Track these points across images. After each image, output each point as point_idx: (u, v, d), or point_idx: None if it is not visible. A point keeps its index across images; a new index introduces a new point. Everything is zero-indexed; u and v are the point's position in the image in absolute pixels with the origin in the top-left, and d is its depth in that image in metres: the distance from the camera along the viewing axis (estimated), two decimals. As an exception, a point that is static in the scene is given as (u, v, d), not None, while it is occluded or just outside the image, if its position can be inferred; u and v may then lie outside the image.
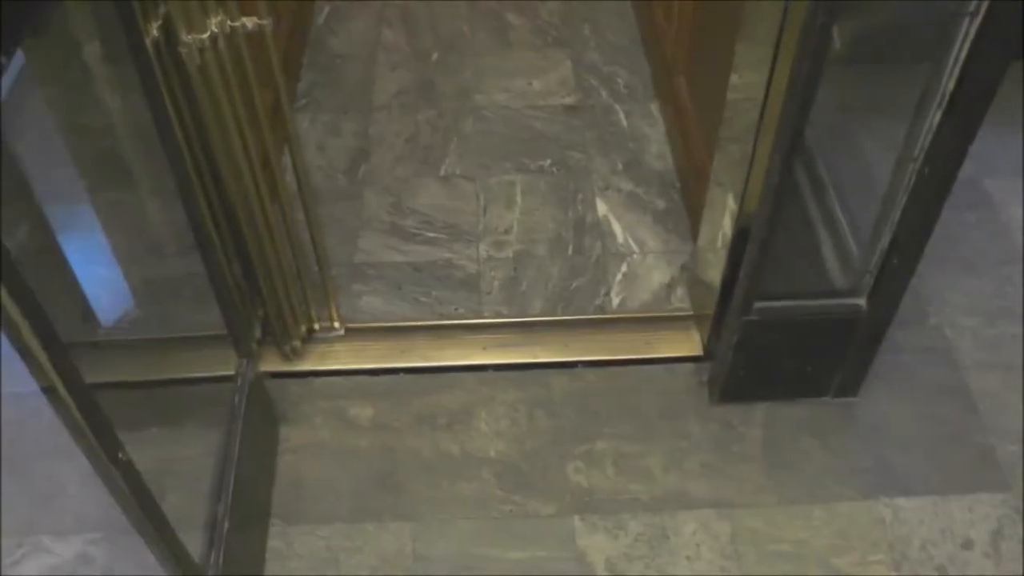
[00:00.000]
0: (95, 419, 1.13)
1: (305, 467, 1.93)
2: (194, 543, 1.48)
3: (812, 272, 1.89)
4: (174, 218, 1.70)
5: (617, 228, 2.36)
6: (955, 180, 1.58)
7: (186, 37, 1.47)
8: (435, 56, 2.89)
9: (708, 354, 2.04)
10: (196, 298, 1.86)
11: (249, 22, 1.54)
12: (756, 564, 1.78)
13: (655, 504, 1.87)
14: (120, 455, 1.17)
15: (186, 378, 1.86)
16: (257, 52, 1.61)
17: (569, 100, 2.73)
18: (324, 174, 2.52)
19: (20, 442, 1.93)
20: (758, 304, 1.80)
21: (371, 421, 2.00)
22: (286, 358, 2.06)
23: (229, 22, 1.52)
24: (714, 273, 1.92)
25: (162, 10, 1.42)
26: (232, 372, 1.82)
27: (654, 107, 2.68)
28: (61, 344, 1.05)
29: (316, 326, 2.09)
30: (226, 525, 1.57)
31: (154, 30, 1.41)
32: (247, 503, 1.73)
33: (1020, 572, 1.77)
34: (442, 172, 2.53)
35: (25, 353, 1.03)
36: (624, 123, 2.64)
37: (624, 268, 2.26)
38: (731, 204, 1.79)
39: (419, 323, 2.15)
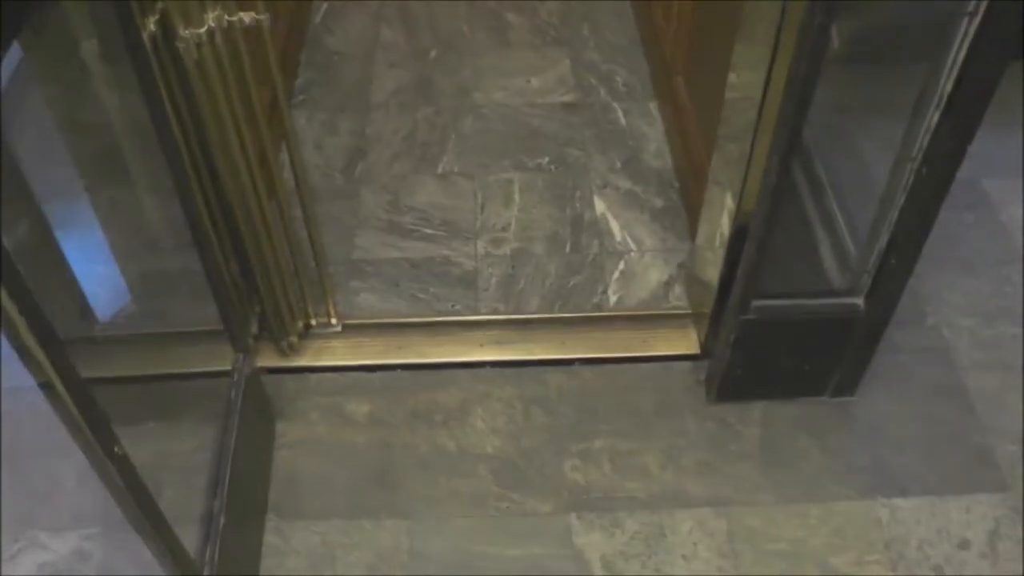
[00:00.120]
0: (91, 414, 1.12)
1: (301, 463, 1.93)
2: (190, 538, 1.48)
3: (810, 271, 1.89)
4: (171, 214, 1.70)
5: (615, 226, 2.35)
6: (953, 180, 1.58)
7: (183, 32, 1.46)
8: (433, 54, 2.89)
9: (705, 352, 2.04)
10: (193, 294, 1.86)
11: (247, 17, 1.54)
12: (753, 563, 1.78)
13: (652, 502, 1.87)
14: (116, 449, 1.17)
15: (182, 373, 1.86)
16: (254, 48, 1.61)
17: (568, 98, 2.73)
18: (321, 172, 2.52)
19: (16, 438, 1.92)
20: (756, 303, 1.80)
21: (368, 417, 2.00)
22: (283, 354, 2.06)
23: (226, 17, 1.52)
24: (712, 272, 1.92)
25: (159, 5, 1.42)
26: (228, 368, 1.82)
27: (653, 106, 2.68)
28: (58, 340, 1.05)
29: (313, 322, 2.09)
30: (222, 520, 1.57)
31: (151, 25, 1.41)
32: (243, 499, 1.73)
33: (1017, 572, 1.77)
34: (440, 170, 2.52)
35: (22, 349, 1.03)
36: (623, 122, 2.64)
37: (621, 266, 2.26)
38: (729, 203, 1.79)
39: (416, 320, 2.15)
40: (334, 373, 2.07)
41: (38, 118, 1.80)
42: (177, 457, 1.74)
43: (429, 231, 2.35)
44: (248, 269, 1.87)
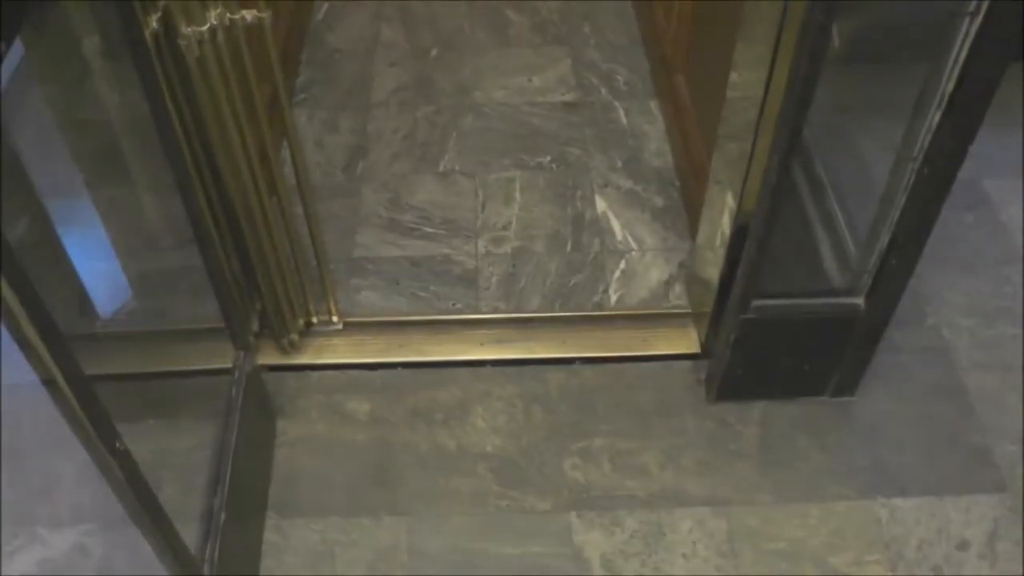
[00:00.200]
0: (93, 410, 1.13)
1: (301, 461, 1.93)
2: (190, 536, 1.48)
3: (810, 271, 1.89)
4: (172, 211, 1.70)
5: (616, 225, 2.36)
6: (954, 180, 1.58)
7: (185, 30, 1.47)
8: (434, 53, 2.89)
9: (705, 352, 2.04)
10: (194, 291, 1.86)
11: (248, 15, 1.54)
12: (752, 562, 1.78)
13: (652, 501, 1.87)
14: (118, 445, 1.17)
15: (183, 371, 1.86)
16: (256, 46, 1.61)
17: (568, 97, 2.73)
18: (322, 170, 2.52)
19: (16, 433, 1.92)
20: (756, 302, 1.80)
21: (368, 415, 2.00)
22: (283, 352, 2.06)
23: (228, 15, 1.52)
24: (712, 271, 1.92)
25: (161, 3, 1.42)
26: (229, 365, 1.82)
27: (653, 105, 2.68)
28: (61, 336, 1.05)
29: (314, 320, 2.09)
30: (222, 517, 1.57)
31: (153, 22, 1.41)
32: (243, 496, 1.73)
33: (1016, 573, 1.77)
34: (441, 168, 2.52)
35: (24, 344, 1.03)
36: (623, 120, 2.64)
37: (622, 265, 2.26)
38: (730, 202, 1.79)
39: (417, 318, 2.15)
40: (335, 371, 2.07)
41: (40, 115, 1.80)
42: (177, 454, 1.75)
43: (430, 229, 2.35)
44: (249, 266, 1.87)
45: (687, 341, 2.09)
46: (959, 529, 1.83)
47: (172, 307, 1.96)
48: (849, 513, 1.85)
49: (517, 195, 2.44)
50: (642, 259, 2.28)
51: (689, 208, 2.33)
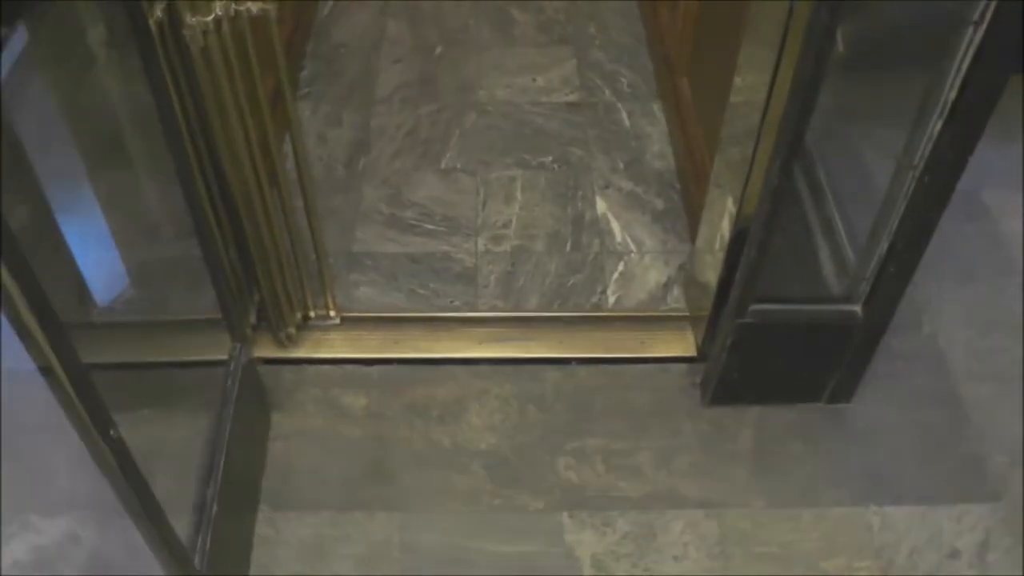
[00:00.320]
0: (88, 397, 1.13)
1: (296, 454, 1.93)
2: (182, 527, 1.48)
3: (808, 277, 1.89)
4: (173, 201, 1.70)
5: (616, 226, 2.36)
6: (955, 189, 1.58)
7: (190, 20, 1.47)
8: (439, 50, 2.89)
9: (702, 355, 2.04)
10: (192, 282, 1.86)
11: (254, 6, 1.54)
12: (743, 565, 1.79)
13: (644, 502, 1.87)
14: (112, 433, 1.17)
15: (179, 361, 1.86)
16: (260, 38, 1.61)
17: (572, 97, 2.73)
18: (323, 164, 2.52)
19: (10, 420, 1.92)
20: (754, 307, 1.80)
21: (363, 410, 2.00)
22: (280, 345, 2.06)
23: (233, 6, 1.52)
24: (711, 274, 1.93)
25: (167, -9, 1.42)
26: (226, 357, 1.82)
27: (656, 107, 2.68)
28: (58, 323, 1.05)
29: (312, 314, 2.09)
30: (215, 509, 1.57)
31: (158, 12, 1.41)
32: (236, 488, 1.73)
33: (1006, 583, 1.78)
34: (442, 165, 2.53)
35: (22, 331, 1.03)
36: (626, 122, 2.64)
37: (621, 267, 2.26)
38: (730, 206, 1.79)
39: (415, 314, 2.15)
40: (331, 365, 2.07)
41: (42, 103, 1.80)
42: (171, 445, 1.74)
43: (430, 226, 2.36)
44: (248, 259, 1.87)
45: (684, 344, 2.09)
46: (950, 538, 1.83)
47: (170, 297, 1.96)
48: (841, 519, 1.86)
49: (518, 194, 2.44)
50: (641, 261, 2.28)
51: (689, 211, 2.33)
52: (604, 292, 2.21)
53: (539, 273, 2.25)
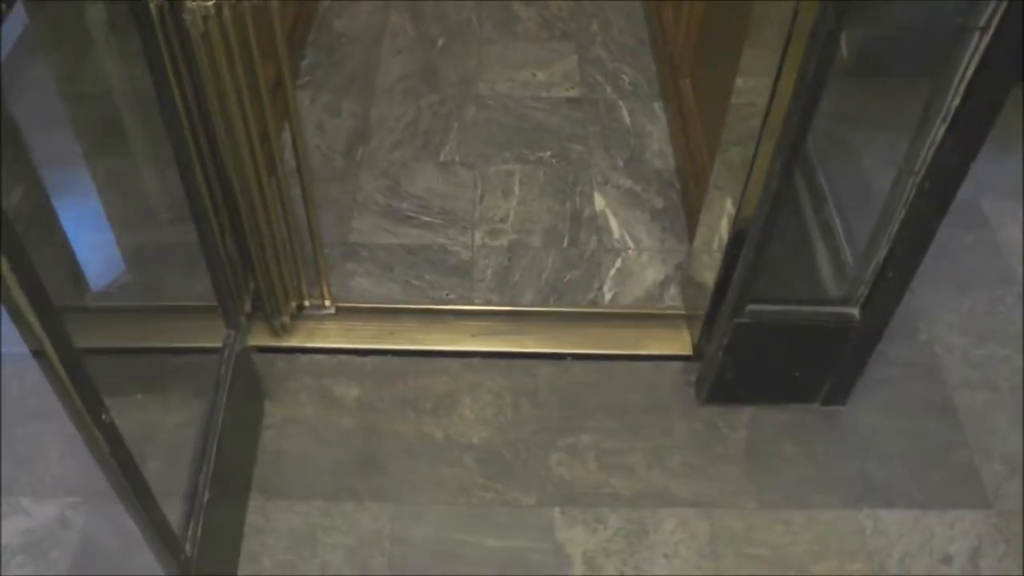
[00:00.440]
0: (81, 381, 1.12)
1: (287, 443, 1.93)
2: (173, 513, 1.48)
3: (806, 279, 1.89)
4: (169, 187, 1.69)
5: (614, 224, 2.35)
6: (955, 196, 1.58)
7: (190, 4, 1.45)
8: (441, 43, 2.88)
9: (697, 354, 2.04)
10: (187, 268, 1.86)
11: (256, -8, 1.54)
12: (734, 566, 1.78)
13: (636, 500, 1.87)
14: (104, 417, 1.16)
15: (173, 347, 1.85)
16: (262, 24, 1.60)
17: (573, 93, 2.72)
18: (322, 154, 2.51)
19: (5, 402, 1.92)
20: (751, 307, 1.80)
21: (356, 401, 2.00)
22: (275, 333, 2.05)
23: (235, -10, 1.51)
24: (708, 274, 1.92)
25: (168, -26, 1.41)
26: (220, 344, 1.81)
27: (657, 106, 2.68)
28: (53, 308, 1.04)
29: (307, 303, 2.08)
30: (206, 496, 1.57)
31: (160, -6, 1.40)
32: (228, 476, 1.72)
33: (996, 590, 1.78)
34: (441, 158, 2.52)
35: (15, 314, 1.02)
36: (627, 120, 2.64)
37: (618, 264, 2.26)
38: (729, 207, 1.79)
39: (410, 306, 2.14)
40: (325, 355, 2.06)
41: (41, 85, 1.79)
42: (164, 431, 1.74)
43: (427, 218, 2.35)
44: (244, 246, 1.86)
45: (680, 342, 2.08)
46: (943, 544, 1.83)
47: (165, 283, 1.96)
48: (833, 522, 1.85)
49: (516, 188, 2.44)
50: (638, 259, 2.27)
51: (688, 210, 2.33)
52: (600, 289, 2.21)
53: (535, 268, 2.25)
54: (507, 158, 2.52)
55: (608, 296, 2.19)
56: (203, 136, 1.64)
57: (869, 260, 1.75)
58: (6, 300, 1.01)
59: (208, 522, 1.56)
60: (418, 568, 1.77)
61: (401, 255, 2.26)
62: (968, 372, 2.11)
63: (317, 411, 1.98)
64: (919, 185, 1.57)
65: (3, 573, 1.71)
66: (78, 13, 1.76)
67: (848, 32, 1.40)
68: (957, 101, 1.45)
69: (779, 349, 1.90)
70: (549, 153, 2.54)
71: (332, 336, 2.08)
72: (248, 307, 2.02)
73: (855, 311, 1.82)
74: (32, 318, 1.03)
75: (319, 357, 2.06)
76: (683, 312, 2.14)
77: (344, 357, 2.06)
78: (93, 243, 1.90)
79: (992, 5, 1.35)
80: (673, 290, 2.20)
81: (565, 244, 2.30)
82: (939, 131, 1.50)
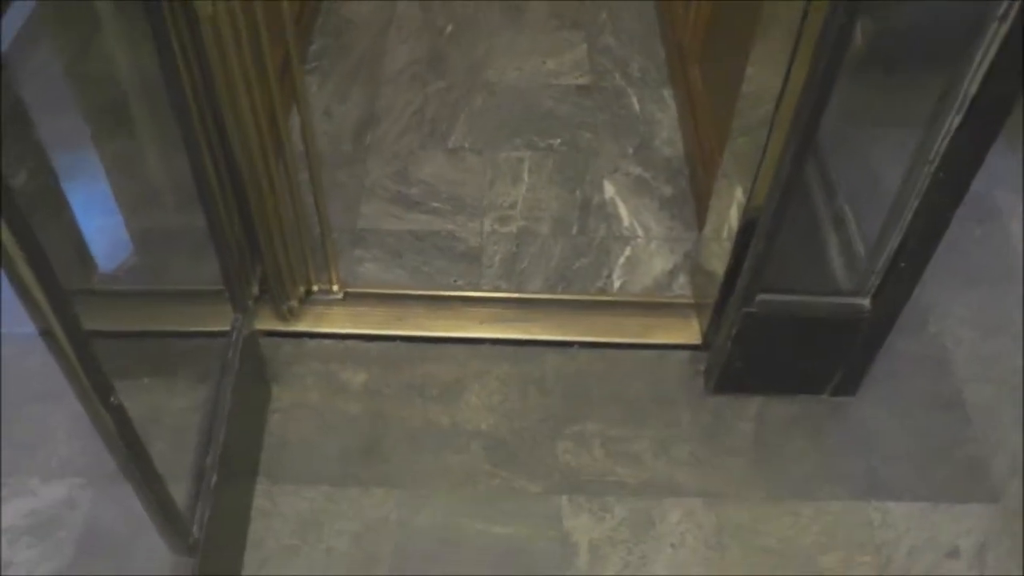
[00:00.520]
0: (89, 362, 1.11)
1: (293, 428, 1.92)
2: (180, 496, 1.47)
3: (817, 269, 1.88)
4: (177, 171, 1.68)
5: (623, 211, 2.34)
6: (969, 186, 1.57)
7: (200, -15, 1.45)
8: (449, 29, 2.87)
9: (706, 344, 2.03)
10: (195, 252, 1.85)
11: (265, -26, 1.53)
12: (741, 557, 1.78)
13: (642, 490, 1.86)
14: (112, 399, 1.15)
15: (180, 331, 1.85)
16: (270, 7, 1.59)
17: (582, 81, 2.71)
18: (329, 139, 2.50)
19: (8, 384, 1.92)
20: (760, 296, 1.79)
21: (363, 386, 1.99)
22: (282, 318, 2.04)
23: (244, -28, 1.50)
24: (717, 263, 1.91)
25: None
26: (227, 328, 1.80)
27: (667, 93, 2.66)
28: (60, 288, 1.04)
29: (315, 288, 2.08)
30: (213, 479, 1.56)
31: (168, -25, 1.40)
32: (235, 459, 1.72)
33: (1004, 584, 1.77)
34: (450, 144, 2.51)
35: (24, 294, 1.02)
36: (636, 107, 2.63)
37: (627, 252, 2.25)
38: (739, 196, 1.78)
39: (418, 292, 2.14)
40: (332, 340, 2.06)
41: (49, 67, 1.78)
42: (170, 415, 1.74)
43: (435, 204, 2.34)
44: (252, 230, 1.85)
45: (688, 331, 2.07)
46: (950, 537, 1.82)
47: (172, 266, 1.95)
48: (841, 514, 1.85)
49: (525, 175, 2.43)
50: (647, 247, 2.26)
51: (697, 198, 2.32)
52: (609, 277, 2.20)
53: (544, 255, 2.24)
54: (516, 145, 2.51)
55: (617, 284, 2.18)
56: (211, 119, 1.63)
57: (881, 250, 1.74)
58: (17, 282, 1.01)
59: (215, 505, 1.56)
60: (424, 554, 1.76)
61: (409, 241, 2.25)
62: (977, 366, 2.10)
63: (324, 396, 1.97)
64: (933, 175, 1.56)
65: (10, 553, 1.71)
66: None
67: (862, 20, 1.39)
68: (973, 90, 1.44)
69: (788, 339, 1.89)
70: (559, 140, 2.52)
71: (340, 321, 2.07)
72: (256, 291, 2.01)
73: (866, 302, 1.81)
74: (40, 296, 1.02)
75: (326, 342, 2.06)
76: (692, 301, 2.13)
77: (351, 342, 2.06)
78: (101, 226, 1.89)
79: (1011, -6, 1.34)
80: (682, 279, 2.19)
81: (574, 231, 2.29)
82: (954, 121, 1.49)
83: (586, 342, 2.07)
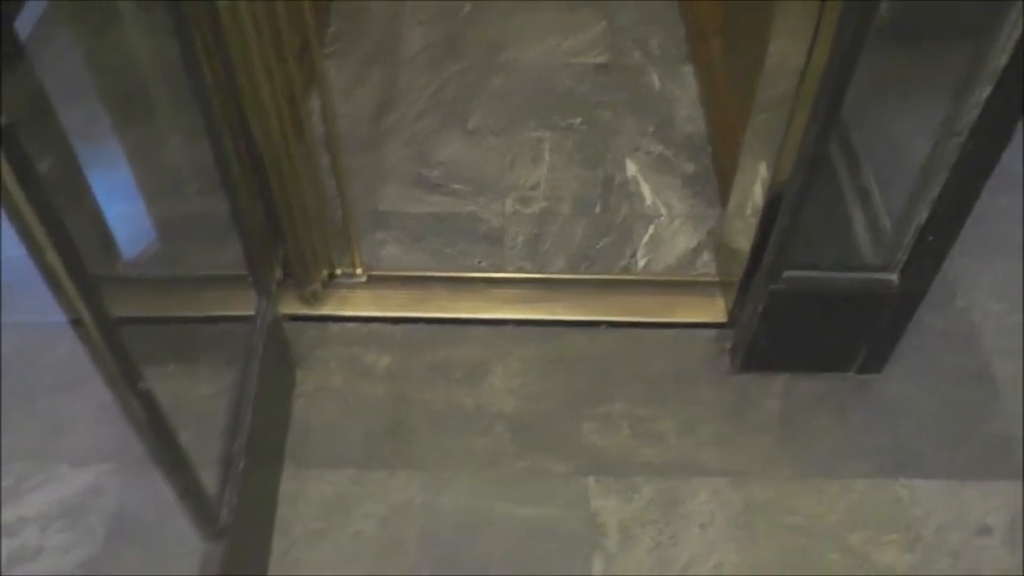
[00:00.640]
0: (117, 348, 1.11)
1: (318, 412, 1.92)
2: (208, 480, 1.47)
3: (843, 244, 1.86)
4: (199, 156, 1.68)
5: (645, 190, 2.33)
6: (1000, 158, 1.55)
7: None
8: (466, 10, 2.85)
9: (731, 321, 2.02)
10: (218, 237, 1.85)
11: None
12: (768, 536, 1.77)
13: (669, 469, 1.85)
14: (140, 385, 1.16)
15: (204, 316, 1.85)
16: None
17: (601, 60, 2.69)
18: (348, 123, 2.49)
19: (34, 372, 1.93)
20: (787, 273, 1.77)
21: (386, 369, 1.99)
22: (305, 302, 2.04)
23: (262, -45, 1.49)
24: (742, 240, 1.90)
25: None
26: (251, 312, 1.80)
27: (687, 70, 2.64)
28: (88, 275, 1.04)
29: (337, 271, 2.07)
30: (241, 464, 1.56)
31: (187, -41, 1.39)
32: (262, 444, 1.72)
33: (1037, 561, 1.76)
34: (469, 126, 2.49)
35: (53, 282, 1.02)
36: (656, 85, 2.61)
37: (650, 230, 2.23)
38: (763, 171, 1.76)
39: (440, 274, 2.13)
40: (355, 323, 2.05)
41: (69, 54, 1.78)
42: (196, 401, 1.74)
43: (456, 186, 2.33)
44: (274, 214, 1.85)
45: (713, 310, 2.06)
46: (980, 515, 1.80)
47: (195, 252, 1.95)
48: (868, 492, 1.83)
49: (546, 156, 2.41)
50: (670, 225, 2.25)
51: (720, 175, 2.30)
52: (633, 256, 2.18)
53: (567, 235, 2.23)
54: (536, 125, 2.49)
55: (640, 263, 2.17)
56: (231, 104, 1.63)
57: (908, 224, 1.72)
58: (43, 266, 1.01)
59: (243, 490, 1.56)
60: (450, 537, 1.76)
61: (431, 223, 2.25)
62: (1005, 340, 2.07)
63: (348, 380, 1.97)
64: (962, 147, 1.54)
65: (42, 539, 1.72)
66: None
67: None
68: (1005, 59, 1.42)
69: (815, 316, 1.87)
70: (579, 120, 2.51)
71: (363, 304, 2.07)
72: (279, 275, 2.01)
73: (894, 277, 1.79)
74: (68, 284, 1.02)
75: (350, 325, 2.05)
76: (716, 279, 2.11)
77: (375, 325, 2.05)
78: (124, 213, 1.89)
79: (1043, -40, 1.32)
80: (706, 256, 2.18)
81: (596, 211, 2.28)
82: (984, 91, 1.47)
83: (610, 322, 2.06)
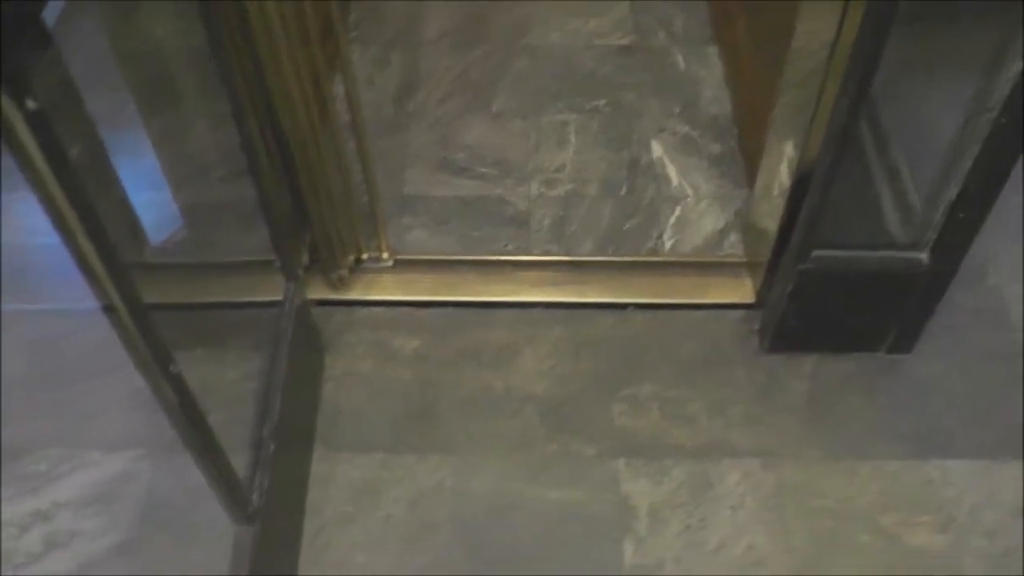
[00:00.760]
0: (148, 333, 1.12)
1: (346, 396, 1.93)
2: (239, 464, 1.48)
3: (872, 223, 1.84)
4: (225, 141, 1.68)
5: (672, 171, 2.31)
6: (1033, 132, 1.53)
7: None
8: (488, -8, 2.85)
9: (760, 302, 2.00)
10: (244, 222, 1.85)
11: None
12: (800, 518, 1.76)
13: (699, 451, 1.84)
14: (171, 368, 1.16)
15: (232, 302, 1.85)
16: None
17: (625, 41, 2.67)
18: (372, 107, 2.48)
19: (65, 359, 1.94)
20: (815, 252, 1.76)
21: (414, 353, 1.99)
22: (332, 286, 2.05)
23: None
24: (770, 220, 1.89)
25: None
26: (279, 297, 1.81)
27: (712, 51, 2.62)
28: (119, 261, 1.04)
29: (364, 256, 2.07)
30: (271, 447, 1.57)
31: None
32: (292, 428, 1.73)
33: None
34: (493, 109, 2.49)
35: (85, 268, 1.03)
36: (681, 66, 2.59)
37: (677, 211, 2.22)
38: (790, 151, 1.75)
39: (468, 258, 2.12)
40: (383, 308, 2.06)
41: (95, 41, 1.79)
42: (225, 385, 1.75)
43: (482, 170, 2.32)
44: (300, 199, 1.85)
45: (742, 290, 2.05)
46: (1013, 496, 1.78)
47: (222, 238, 1.96)
48: (899, 473, 1.82)
49: (571, 138, 2.40)
50: (697, 206, 2.24)
51: (746, 156, 2.28)
52: (660, 237, 2.17)
53: (593, 217, 2.22)
54: (561, 108, 2.48)
55: (668, 244, 2.16)
56: (257, 89, 1.63)
57: (938, 202, 1.70)
58: (78, 257, 1.02)
59: (274, 474, 1.56)
60: (480, 521, 1.76)
61: (457, 207, 2.24)
62: (1037, 318, 2.05)
63: (376, 364, 1.97)
64: (994, 122, 1.52)
65: (77, 523, 1.74)
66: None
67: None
68: (1037, 33, 1.40)
69: (844, 296, 1.86)
70: (603, 102, 2.49)
71: (390, 289, 2.07)
72: (306, 260, 2.01)
73: (924, 255, 1.77)
74: (100, 269, 1.03)
75: (377, 310, 2.06)
76: (744, 259, 2.10)
77: (402, 309, 2.05)
78: (151, 199, 1.90)
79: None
80: (733, 237, 2.16)
81: (623, 193, 2.27)
82: (1017, 65, 1.45)
83: (638, 303, 2.05)
